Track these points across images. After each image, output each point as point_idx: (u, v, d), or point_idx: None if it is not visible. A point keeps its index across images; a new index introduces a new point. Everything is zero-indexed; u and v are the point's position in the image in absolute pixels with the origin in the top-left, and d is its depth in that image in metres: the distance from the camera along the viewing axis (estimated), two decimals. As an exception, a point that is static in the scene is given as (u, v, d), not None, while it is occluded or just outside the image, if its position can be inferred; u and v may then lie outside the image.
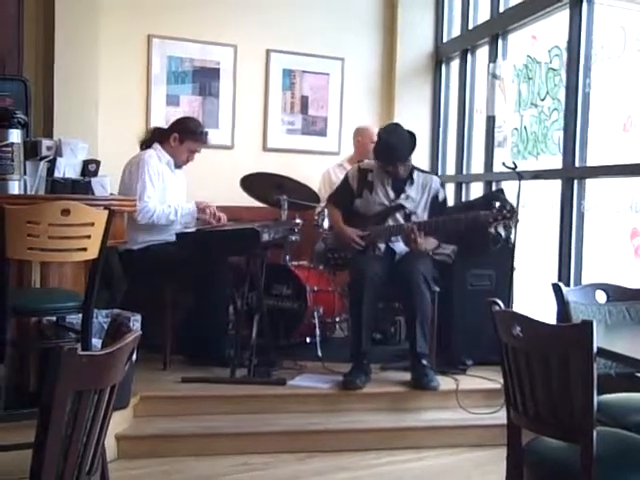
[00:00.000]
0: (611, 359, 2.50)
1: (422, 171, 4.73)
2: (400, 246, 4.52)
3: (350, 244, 4.54)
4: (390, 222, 4.54)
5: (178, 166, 4.73)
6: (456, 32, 6.32)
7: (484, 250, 4.66)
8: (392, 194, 4.58)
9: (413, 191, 4.58)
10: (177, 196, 4.69)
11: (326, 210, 4.87)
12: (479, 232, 4.49)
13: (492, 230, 4.45)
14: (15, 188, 3.39)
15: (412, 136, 4.53)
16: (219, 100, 6.00)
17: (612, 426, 2.48)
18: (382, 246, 4.53)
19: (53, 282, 3.66)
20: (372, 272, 4.26)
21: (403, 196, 4.57)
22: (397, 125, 4.70)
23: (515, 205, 4.49)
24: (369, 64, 6.48)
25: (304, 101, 6.30)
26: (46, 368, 3.55)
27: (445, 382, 4.31)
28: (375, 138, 5.14)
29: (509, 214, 4.27)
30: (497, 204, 4.28)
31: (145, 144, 4.73)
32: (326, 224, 4.84)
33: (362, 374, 4.24)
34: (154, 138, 4.72)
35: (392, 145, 4.47)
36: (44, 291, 3.59)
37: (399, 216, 4.54)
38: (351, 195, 4.65)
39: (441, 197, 4.65)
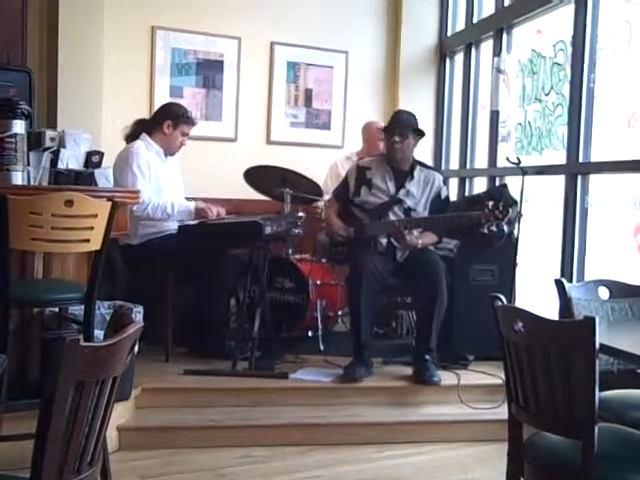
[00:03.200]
0: (613, 356, 2.50)
1: (425, 166, 4.73)
2: (401, 241, 4.52)
3: (334, 235, 4.62)
4: (390, 216, 4.54)
5: (171, 153, 4.69)
6: (460, 26, 6.31)
7: (487, 245, 4.65)
8: (393, 189, 4.58)
9: (414, 187, 4.58)
10: (172, 185, 4.65)
11: (327, 203, 4.89)
12: (475, 230, 4.48)
13: (485, 230, 4.42)
14: (18, 179, 3.38)
15: (415, 118, 4.61)
16: (223, 92, 5.99)
17: (613, 422, 2.48)
18: (384, 241, 4.52)
19: (56, 273, 3.66)
20: (370, 266, 4.26)
21: (403, 192, 4.57)
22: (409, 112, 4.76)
23: (517, 200, 4.49)
24: (373, 57, 6.47)
25: (308, 94, 6.30)
26: (48, 359, 3.57)
27: (446, 377, 4.32)
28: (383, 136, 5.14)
29: (501, 215, 4.25)
30: (490, 204, 4.26)
31: (131, 137, 4.68)
32: (329, 218, 4.85)
33: (362, 366, 4.25)
34: (140, 130, 4.67)
35: (399, 116, 4.60)
36: (47, 282, 3.59)
37: (398, 210, 4.54)
38: (347, 193, 4.69)
39: (443, 195, 4.65)
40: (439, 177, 4.70)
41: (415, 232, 4.45)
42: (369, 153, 5.46)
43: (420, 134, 4.56)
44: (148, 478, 3.40)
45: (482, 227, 4.37)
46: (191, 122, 4.68)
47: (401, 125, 4.52)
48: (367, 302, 4.25)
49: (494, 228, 4.45)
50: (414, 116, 4.62)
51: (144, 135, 4.62)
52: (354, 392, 4.20)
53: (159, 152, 4.62)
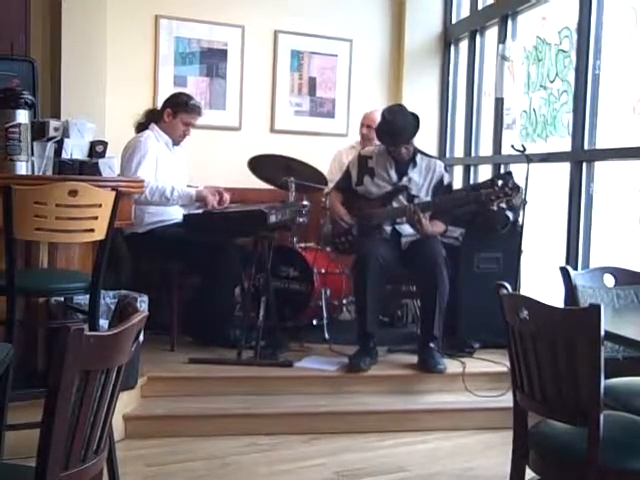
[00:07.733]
0: (618, 343, 2.49)
1: (426, 155, 4.71)
2: (406, 229, 4.51)
3: (338, 221, 4.63)
4: (394, 204, 4.53)
5: (176, 143, 4.70)
6: (465, 13, 6.27)
7: (492, 233, 4.65)
8: (395, 177, 4.57)
9: (416, 174, 4.57)
10: (177, 175, 4.66)
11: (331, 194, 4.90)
12: (484, 212, 4.47)
13: (494, 207, 4.41)
14: (22, 169, 3.37)
15: (416, 118, 4.50)
16: (226, 81, 5.98)
17: (619, 410, 2.48)
18: (388, 229, 4.52)
19: (60, 263, 3.67)
20: (376, 254, 4.26)
21: (405, 179, 4.56)
22: (401, 106, 4.70)
23: (522, 186, 4.47)
24: (377, 45, 6.44)
25: (312, 83, 6.28)
26: (54, 348, 3.57)
27: (452, 365, 4.32)
28: (373, 125, 5.12)
29: (511, 191, 4.25)
30: (499, 182, 4.26)
31: (141, 126, 4.71)
32: (333, 206, 4.85)
33: (367, 356, 4.25)
34: (149, 119, 4.71)
35: (395, 126, 4.46)
36: (52, 272, 3.60)
37: (402, 198, 4.53)
38: (349, 183, 4.68)
39: (446, 181, 4.64)
40: (440, 164, 4.68)
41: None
42: (365, 144, 5.50)
43: (418, 128, 4.52)
44: (154, 466, 3.41)
45: (492, 204, 4.35)
46: (191, 110, 4.65)
47: (404, 138, 4.47)
48: (373, 291, 4.24)
49: (504, 205, 4.44)
50: (407, 114, 4.51)
51: (153, 125, 4.65)
52: (359, 380, 4.20)
53: (168, 142, 4.65)
